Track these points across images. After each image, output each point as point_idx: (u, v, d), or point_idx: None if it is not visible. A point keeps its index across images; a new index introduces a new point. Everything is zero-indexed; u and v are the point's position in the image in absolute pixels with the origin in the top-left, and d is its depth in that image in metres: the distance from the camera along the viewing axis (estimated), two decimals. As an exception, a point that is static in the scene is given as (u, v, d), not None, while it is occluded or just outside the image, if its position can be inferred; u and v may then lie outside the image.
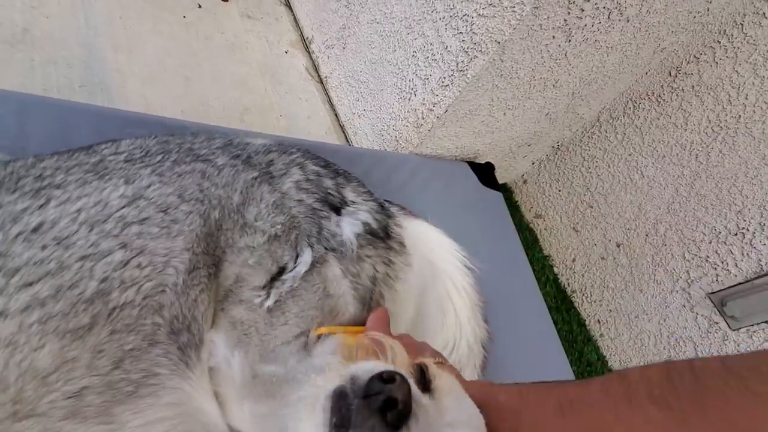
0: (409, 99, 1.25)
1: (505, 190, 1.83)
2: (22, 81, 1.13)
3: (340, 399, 0.38)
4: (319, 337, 0.63)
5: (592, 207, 1.64)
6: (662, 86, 1.42)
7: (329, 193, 0.77)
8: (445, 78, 1.13)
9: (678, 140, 1.42)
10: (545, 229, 1.80)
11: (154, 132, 0.85)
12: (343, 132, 1.54)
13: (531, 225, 1.83)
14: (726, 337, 1.35)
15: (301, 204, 0.72)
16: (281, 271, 0.66)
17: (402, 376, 0.38)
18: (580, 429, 0.39)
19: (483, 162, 1.51)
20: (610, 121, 1.55)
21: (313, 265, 0.68)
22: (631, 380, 0.37)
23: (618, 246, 1.58)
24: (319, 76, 1.62)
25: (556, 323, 1.59)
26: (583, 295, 1.70)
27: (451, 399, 0.43)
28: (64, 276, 0.50)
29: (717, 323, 1.37)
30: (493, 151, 1.51)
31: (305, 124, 1.51)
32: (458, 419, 0.41)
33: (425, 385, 0.44)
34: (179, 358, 0.56)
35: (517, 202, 1.87)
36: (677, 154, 1.42)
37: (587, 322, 1.69)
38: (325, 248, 0.70)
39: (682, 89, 1.39)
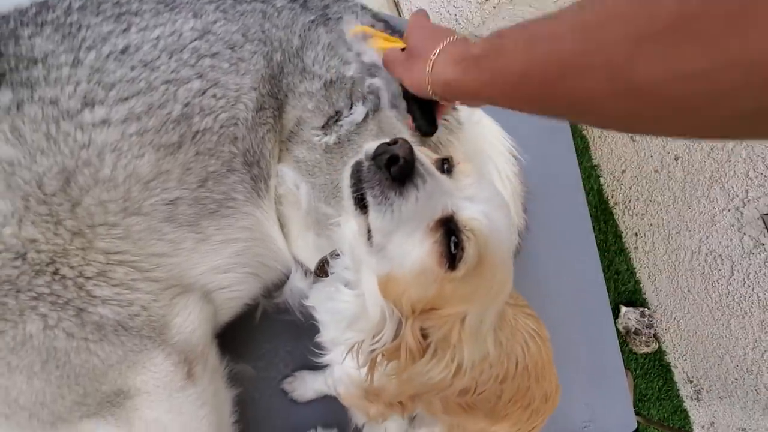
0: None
1: (564, 92, 1.72)
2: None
3: (357, 165, 0.45)
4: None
5: (657, 115, 1.52)
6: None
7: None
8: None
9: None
10: (599, 137, 1.71)
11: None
12: (397, 9, 1.44)
13: (584, 131, 1.74)
14: (769, 259, 1.32)
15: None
16: (338, 114, 0.69)
17: (404, 139, 0.43)
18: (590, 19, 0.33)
19: (546, 53, 1.40)
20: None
21: (368, 113, 0.70)
22: None
23: (676, 159, 1.50)
24: (376, -59, 1.46)
25: (592, 231, 1.60)
26: (626, 207, 1.67)
27: (471, 179, 0.47)
28: (153, 96, 0.54)
29: (763, 245, 1.33)
30: (560, 42, 1.38)
31: (359, -2, 1.41)
32: (478, 196, 0.46)
33: (448, 169, 0.49)
34: (252, 187, 0.62)
35: (573, 105, 1.75)
36: (774, 58, 1.25)
37: (624, 234, 1.69)
38: (376, 102, 0.71)
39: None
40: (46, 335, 0.47)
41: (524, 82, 0.38)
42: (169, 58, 0.56)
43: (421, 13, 0.62)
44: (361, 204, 0.45)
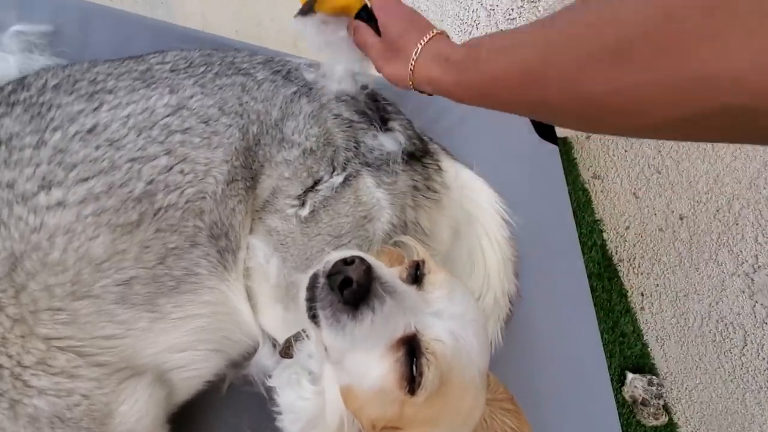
0: (470, 33, 1.14)
1: (564, 145, 1.70)
2: (90, -11, 1.16)
3: (314, 280, 0.43)
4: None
5: (660, 173, 1.48)
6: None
7: (369, 108, 0.75)
8: (512, 10, 1.02)
9: (783, 105, 1.21)
10: (601, 191, 1.67)
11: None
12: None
13: (586, 185, 1.71)
14: (785, 331, 1.24)
15: (338, 118, 0.71)
16: (315, 183, 0.68)
17: (361, 259, 0.41)
18: (551, 36, 0.39)
19: (543, 111, 1.40)
20: (703, 76, 1.34)
21: (347, 179, 0.69)
22: None
23: (681, 219, 1.45)
24: (378, 2, 1.52)
25: (595, 290, 1.53)
26: (630, 265, 1.60)
27: (441, 291, 0.45)
28: (116, 175, 0.54)
29: (778, 315, 1.25)
30: (557, 100, 1.38)
31: (358, 55, 1.45)
32: (446, 311, 0.43)
33: (417, 278, 0.46)
34: (218, 260, 0.60)
35: (575, 159, 1.73)
36: (778, 122, 1.22)
37: (629, 294, 1.61)
38: (360, 163, 0.70)
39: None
40: (-25, 430, 0.45)
41: (494, 86, 0.44)
42: (137, 136, 0.56)
43: None
44: (316, 320, 0.42)
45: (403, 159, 0.72)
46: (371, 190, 0.70)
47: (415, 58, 0.53)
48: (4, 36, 0.75)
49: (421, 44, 0.53)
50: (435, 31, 0.55)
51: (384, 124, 0.76)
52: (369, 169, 0.70)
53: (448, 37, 0.57)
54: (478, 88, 0.46)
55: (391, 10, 0.59)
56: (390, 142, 0.74)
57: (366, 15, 0.61)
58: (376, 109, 0.77)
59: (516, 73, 0.40)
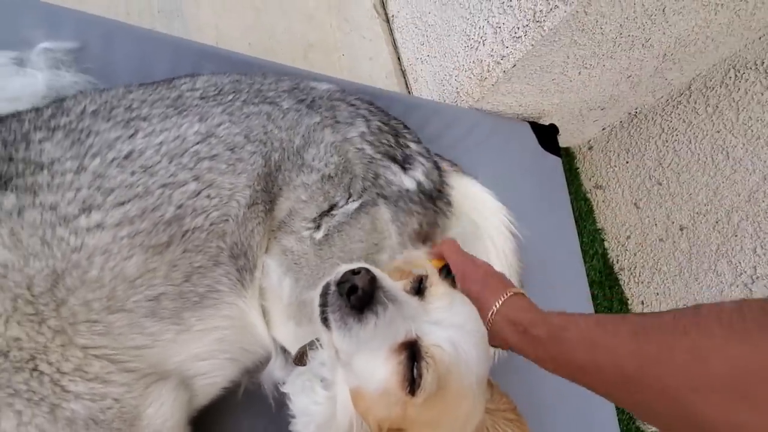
0: (477, 48, 1.18)
1: (567, 155, 1.73)
2: (108, 4, 1.20)
3: (326, 288, 0.49)
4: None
5: (660, 184, 1.52)
6: (777, 55, 1.22)
7: (390, 146, 0.80)
8: (518, 28, 1.05)
9: (781, 121, 1.24)
10: (603, 201, 1.70)
11: (225, 66, 0.89)
12: (404, 77, 1.50)
13: (588, 195, 1.74)
14: (782, 341, 1.26)
15: (360, 152, 0.75)
16: (332, 208, 0.71)
17: (367, 270, 0.46)
18: (650, 350, 0.39)
19: (547, 123, 1.43)
20: (704, 90, 1.37)
21: (363, 206, 0.72)
22: (703, 310, 0.37)
23: (681, 229, 1.48)
24: (386, 13, 1.56)
25: (596, 298, 1.56)
26: (631, 274, 1.63)
27: (442, 302, 0.49)
28: (149, 200, 0.58)
29: (776, 325, 1.27)
30: (560, 113, 1.41)
31: (367, 66, 1.48)
32: (446, 320, 0.48)
33: (420, 290, 0.51)
34: (237, 278, 0.64)
35: (577, 168, 1.76)
36: (776, 137, 1.25)
37: (630, 302, 1.64)
38: (377, 194, 0.73)
39: (802, 61, 1.19)
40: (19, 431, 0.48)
41: (582, 374, 0.44)
42: (169, 163, 0.60)
43: (455, 247, 0.67)
44: (327, 323, 0.47)
45: (419, 197, 0.77)
46: (387, 222, 0.74)
47: (490, 320, 0.55)
48: (32, 53, 0.79)
49: (495, 307, 0.55)
50: (509, 293, 0.56)
51: (405, 162, 0.80)
52: (386, 201, 0.74)
53: (523, 295, 0.58)
54: (562, 368, 0.47)
55: (467, 275, 0.62)
56: (408, 181, 0.79)
57: (447, 272, 0.66)
58: (398, 147, 0.81)
59: (616, 375, 0.40)
